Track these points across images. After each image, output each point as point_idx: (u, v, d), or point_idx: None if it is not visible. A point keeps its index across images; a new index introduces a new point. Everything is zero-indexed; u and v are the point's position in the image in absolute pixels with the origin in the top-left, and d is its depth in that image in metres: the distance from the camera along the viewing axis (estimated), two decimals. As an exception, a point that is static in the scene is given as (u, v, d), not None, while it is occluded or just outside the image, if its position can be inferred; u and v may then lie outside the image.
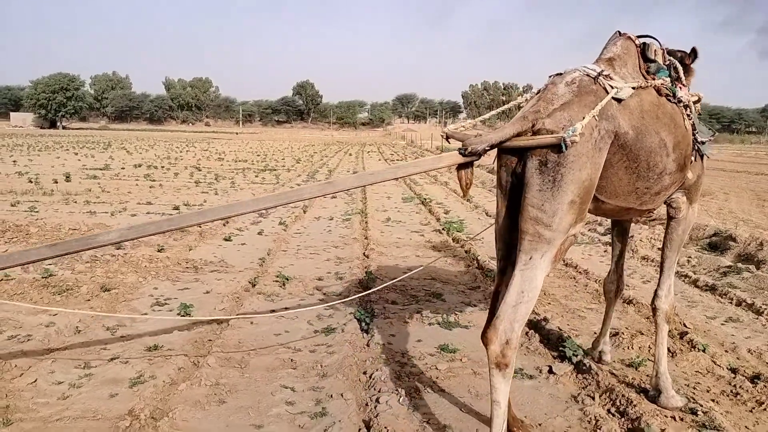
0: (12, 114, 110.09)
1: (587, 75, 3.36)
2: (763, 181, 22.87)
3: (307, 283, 6.97)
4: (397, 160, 34.34)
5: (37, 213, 11.48)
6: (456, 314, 5.82)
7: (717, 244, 9.53)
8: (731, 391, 4.22)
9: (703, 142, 3.89)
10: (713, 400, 4.07)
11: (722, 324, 5.83)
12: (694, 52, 4.07)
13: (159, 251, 8.33)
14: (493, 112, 4.31)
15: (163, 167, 23.88)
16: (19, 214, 11.30)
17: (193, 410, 3.81)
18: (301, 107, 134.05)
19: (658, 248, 9.04)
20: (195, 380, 4.21)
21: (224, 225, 10.67)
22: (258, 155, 35.11)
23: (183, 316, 5.63)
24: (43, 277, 6.64)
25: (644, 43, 3.78)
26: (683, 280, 7.41)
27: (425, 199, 15.15)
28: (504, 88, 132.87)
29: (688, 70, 4.04)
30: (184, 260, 7.87)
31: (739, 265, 7.74)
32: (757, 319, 5.93)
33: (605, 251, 9.13)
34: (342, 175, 4.78)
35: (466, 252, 8.68)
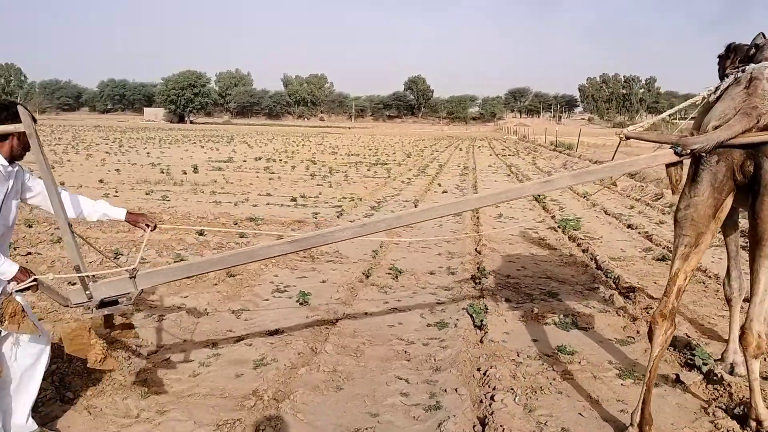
0: (145, 109, 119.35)
1: None
2: None
3: (419, 277, 7.01)
4: (509, 155, 33.68)
5: (169, 201, 12.39)
6: (573, 315, 5.62)
7: None
8: None
9: None
10: None
11: None
12: None
13: (277, 239, 8.71)
14: (680, 107, 4.35)
15: (281, 160, 24.93)
16: (153, 202, 12.25)
17: (313, 394, 3.96)
18: (412, 102, 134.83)
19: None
20: (314, 365, 4.37)
21: (338, 217, 10.96)
22: (370, 149, 35.75)
23: (301, 304, 5.86)
24: (174, 261, 7.15)
25: None
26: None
27: (539, 196, 14.74)
28: (624, 81, 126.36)
29: None
30: (302, 251, 8.17)
31: None
32: None
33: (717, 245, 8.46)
34: (556, 174, 4.71)
35: (583, 251, 8.36)
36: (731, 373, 4.30)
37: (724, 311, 5.90)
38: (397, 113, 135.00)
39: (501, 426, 3.51)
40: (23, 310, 2.98)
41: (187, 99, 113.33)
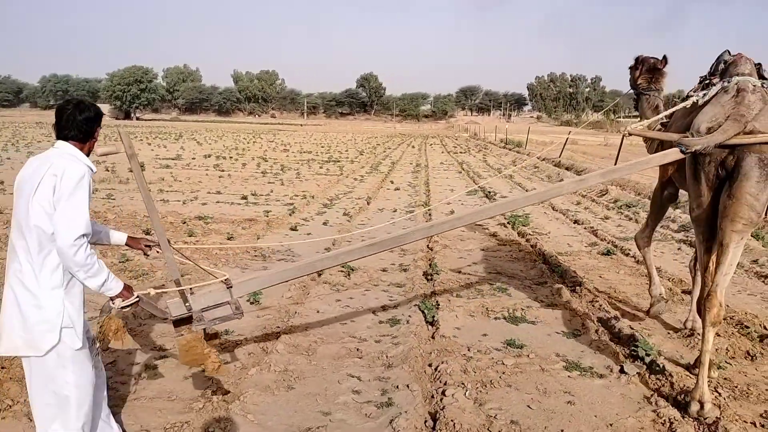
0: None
1: (761, 86, 4.14)
2: None
3: (371, 274, 7.02)
4: (460, 152, 34.04)
5: (114, 200, 12.04)
6: (522, 309, 5.72)
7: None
8: (819, 399, 3.99)
9: None
10: (799, 408, 3.85)
11: (808, 328, 5.51)
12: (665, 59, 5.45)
13: (228, 239, 8.58)
14: (670, 111, 4.86)
15: (231, 158, 24.55)
16: (97, 201, 11.86)
17: (263, 395, 3.91)
18: (364, 99, 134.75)
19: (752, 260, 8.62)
20: (265, 365, 4.32)
21: (290, 215, 10.86)
22: (322, 147, 35.59)
23: (252, 303, 5.77)
24: (120, 262, 6.96)
25: (758, 63, 4.44)
26: (763, 281, 7.05)
27: (490, 192, 14.98)
28: (571, 80, 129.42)
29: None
30: (253, 249, 8.07)
31: (827, 266, 7.28)
32: None
33: (678, 249, 8.79)
34: (587, 174, 4.98)
35: (532, 247, 8.52)
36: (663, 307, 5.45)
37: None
38: (349, 110, 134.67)
39: (452, 421, 3.55)
40: (124, 326, 3.13)
41: (134, 95, 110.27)
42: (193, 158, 23.89)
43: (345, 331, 5.19)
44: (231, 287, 3.54)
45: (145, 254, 3.54)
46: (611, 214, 12.22)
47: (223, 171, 18.90)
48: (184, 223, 9.77)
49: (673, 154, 4.08)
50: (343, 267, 7.14)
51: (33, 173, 2.75)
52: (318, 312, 5.64)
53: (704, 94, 4.29)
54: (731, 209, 3.84)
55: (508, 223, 10.35)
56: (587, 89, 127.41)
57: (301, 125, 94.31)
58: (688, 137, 3.96)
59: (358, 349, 4.75)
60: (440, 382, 4.14)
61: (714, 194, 3.96)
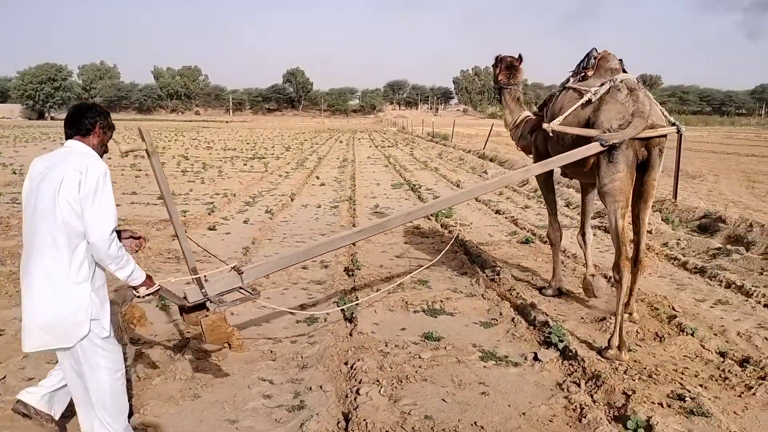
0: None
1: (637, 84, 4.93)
2: (753, 162, 22.85)
3: (291, 272, 6.83)
4: (388, 146, 34.10)
5: (20, 205, 11.28)
6: (441, 302, 5.70)
7: (707, 225, 9.46)
8: (720, 376, 4.14)
9: None
10: (701, 386, 3.98)
11: (711, 307, 5.75)
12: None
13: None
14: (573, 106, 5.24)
15: (150, 157, 23.58)
16: (0, 206, 11.11)
17: (166, 405, 3.69)
18: (291, 95, 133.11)
19: (647, 231, 8.95)
20: (170, 374, 4.09)
21: (209, 214, 10.50)
22: (247, 143, 34.83)
23: (161, 309, 5.49)
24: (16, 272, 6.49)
25: (620, 59, 5.27)
26: (672, 263, 7.33)
27: (415, 185, 15.02)
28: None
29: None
30: (166, 251, 7.73)
31: (729, 247, 7.65)
32: (747, 301, 5.86)
33: (593, 234, 9.03)
34: (514, 170, 5.13)
35: (454, 238, 8.54)
36: (558, 294, 6.01)
37: (580, 288, 6.25)
38: (276, 106, 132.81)
39: (364, 420, 3.45)
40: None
41: (47, 94, 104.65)
42: (109, 158, 22.83)
43: (260, 332, 5.01)
44: (242, 273, 3.95)
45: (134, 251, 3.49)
46: (531, 203, 12.49)
47: (140, 170, 18.12)
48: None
49: (594, 148, 4.64)
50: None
51: (50, 171, 2.85)
52: (232, 314, 5.40)
53: (596, 92, 4.91)
54: (646, 193, 4.88)
55: (432, 215, 10.37)
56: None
57: (227, 122, 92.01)
58: (606, 134, 4.61)
59: (271, 351, 4.58)
60: (356, 380, 4.03)
61: (632, 174, 4.69)
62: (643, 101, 4.68)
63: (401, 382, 4.04)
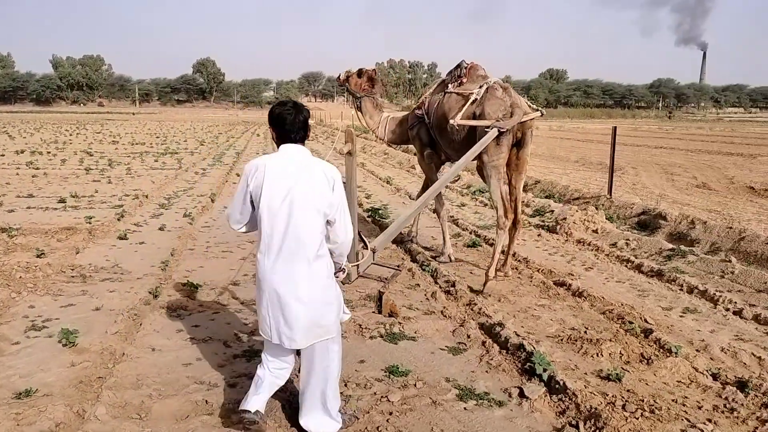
0: None
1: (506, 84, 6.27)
2: (664, 154, 23.62)
3: (220, 291, 5.97)
4: (309, 140, 32.99)
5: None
6: (400, 323, 5.04)
7: (646, 222, 9.33)
8: (725, 406, 3.69)
9: None
10: (710, 420, 3.51)
11: (681, 316, 5.42)
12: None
13: (38, 257, 7.01)
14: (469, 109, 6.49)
15: (49, 153, 21.57)
16: None
17: None
18: (202, 86, 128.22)
19: (593, 230, 8.70)
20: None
21: (119, 220, 9.34)
22: (157, 137, 32.77)
23: (65, 345, 4.52)
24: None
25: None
26: (626, 266, 7.03)
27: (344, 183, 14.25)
28: (410, 66, 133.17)
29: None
30: (69, 267, 6.62)
31: (683, 247, 7.43)
32: (715, 308, 5.57)
33: (539, 235, 8.68)
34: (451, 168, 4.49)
35: (396, 244, 7.91)
36: (450, 260, 7.10)
37: (542, 300, 5.78)
38: (187, 97, 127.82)
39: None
40: None
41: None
42: (2, 155, 20.65)
43: (190, 374, 4.14)
44: (375, 251, 4.82)
45: None
46: (466, 200, 12.08)
47: (38, 169, 16.34)
48: (-20, 238, 7.93)
49: (494, 133, 5.75)
50: (184, 285, 6.03)
51: (297, 176, 3.13)
52: (153, 350, 4.51)
53: (478, 92, 6.13)
54: (521, 165, 6.26)
55: (368, 217, 9.70)
56: (425, 75, 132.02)
57: (133, 114, 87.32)
58: (500, 122, 5.78)
59: (206, 401, 3.74)
60: (316, 437, 3.30)
61: (510, 152, 6.02)
62: (515, 96, 6.06)
63: (372, 436, 3.35)
